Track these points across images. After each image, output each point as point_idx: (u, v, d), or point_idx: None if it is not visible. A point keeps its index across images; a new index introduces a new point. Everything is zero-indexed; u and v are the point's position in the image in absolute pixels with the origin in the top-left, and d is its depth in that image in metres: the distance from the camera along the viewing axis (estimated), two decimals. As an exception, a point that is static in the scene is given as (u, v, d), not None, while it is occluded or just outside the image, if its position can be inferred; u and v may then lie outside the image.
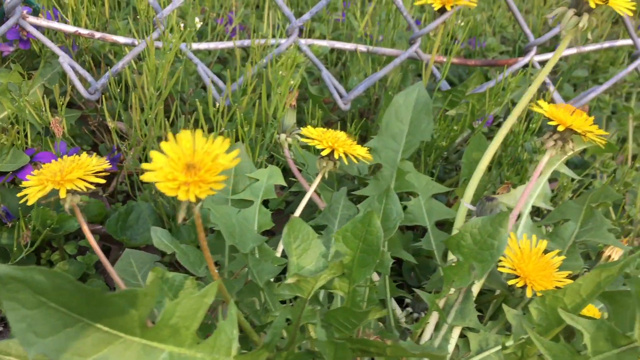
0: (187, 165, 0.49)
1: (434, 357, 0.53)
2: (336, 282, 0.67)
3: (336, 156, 0.73)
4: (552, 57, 0.70)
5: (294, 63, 0.92)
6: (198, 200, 0.49)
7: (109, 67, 1.04)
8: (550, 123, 0.78)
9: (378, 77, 1.06)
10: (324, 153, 0.73)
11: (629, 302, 0.56)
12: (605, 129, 1.32)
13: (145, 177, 0.48)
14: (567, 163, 1.30)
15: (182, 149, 0.50)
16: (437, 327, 0.70)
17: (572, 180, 1.14)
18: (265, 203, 1.08)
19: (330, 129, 0.78)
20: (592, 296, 0.56)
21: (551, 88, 1.15)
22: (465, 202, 0.72)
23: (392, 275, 0.95)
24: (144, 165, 0.48)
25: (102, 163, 0.64)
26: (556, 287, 0.65)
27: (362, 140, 1.16)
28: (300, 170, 0.93)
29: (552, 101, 1.18)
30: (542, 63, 1.16)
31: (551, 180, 1.14)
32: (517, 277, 0.70)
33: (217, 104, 0.82)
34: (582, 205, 0.86)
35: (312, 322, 0.58)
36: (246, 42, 1.05)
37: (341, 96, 1.08)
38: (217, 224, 0.66)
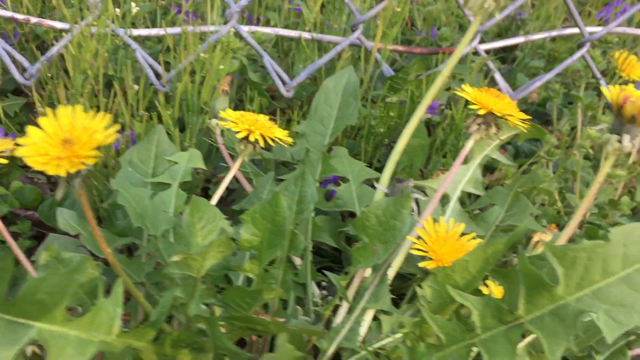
0: (64, 140, 0.49)
1: (311, 332, 0.53)
2: (246, 264, 0.66)
3: (252, 138, 0.73)
4: (462, 42, 0.70)
5: (227, 49, 0.92)
6: (72, 175, 0.48)
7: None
8: (472, 107, 0.78)
9: (320, 64, 1.06)
10: (239, 135, 0.73)
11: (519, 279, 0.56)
12: (557, 118, 1.32)
13: (17, 152, 0.47)
14: (517, 151, 1.31)
15: (60, 124, 0.50)
16: (351, 310, 0.70)
17: (520, 166, 1.14)
18: (206, 190, 1.08)
19: (249, 112, 0.77)
20: (482, 272, 0.56)
21: (496, 75, 1.15)
22: (380, 185, 0.72)
23: (331, 261, 0.95)
24: (18, 140, 0.48)
25: (4, 144, 0.63)
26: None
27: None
28: (233, 156, 0.92)
29: (493, 87, 1.18)
30: (487, 51, 1.16)
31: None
32: (431, 259, 0.70)
33: (137, 87, 0.82)
34: (511, 190, 0.86)
35: (208, 301, 0.58)
36: (190, 29, 1.04)
37: (285, 83, 1.08)
38: (124, 205, 0.66)
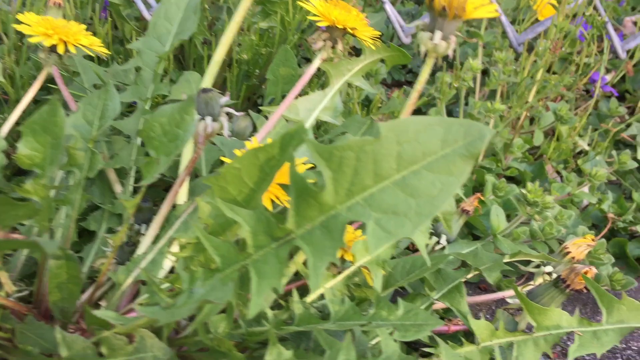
0: None
1: (29, 245, 0.45)
2: (29, 184, 0.58)
3: (47, 44, 0.64)
4: None
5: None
6: None
7: None
8: (310, 18, 0.70)
9: (186, -14, 0.96)
10: (32, 40, 0.64)
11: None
12: (461, 58, 1.25)
13: None
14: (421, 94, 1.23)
15: None
16: (156, 240, 0.62)
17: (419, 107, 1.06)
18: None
19: (61, 19, 0.68)
20: (261, 184, 0.48)
21: (386, 6, 1.07)
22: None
23: (164, 189, 0.86)
24: None
25: None
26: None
27: (179, 60, 1.07)
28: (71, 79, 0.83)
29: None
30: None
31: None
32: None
33: None
34: (367, 119, 0.78)
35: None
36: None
37: (151, 7, 0.98)
38: None
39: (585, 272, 0.67)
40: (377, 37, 0.72)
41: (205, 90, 0.60)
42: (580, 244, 0.75)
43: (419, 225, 0.42)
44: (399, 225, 0.42)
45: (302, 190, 0.44)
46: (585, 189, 1.04)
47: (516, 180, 1.09)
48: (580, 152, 1.23)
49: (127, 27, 0.99)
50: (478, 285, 0.87)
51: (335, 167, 0.43)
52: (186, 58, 1.07)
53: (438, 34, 0.51)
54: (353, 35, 0.71)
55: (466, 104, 1.14)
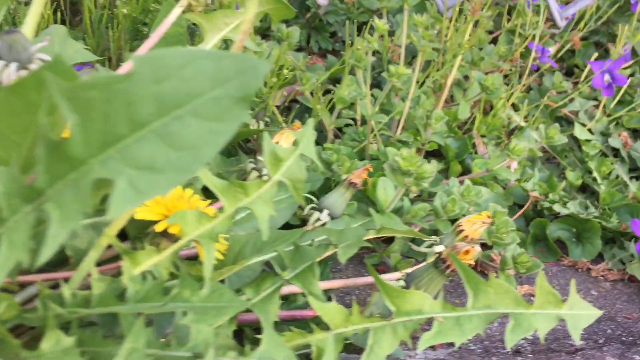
0: None
1: None
2: None
3: None
4: None
5: None
6: None
7: None
8: (161, -44, 0.61)
9: None
10: None
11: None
12: (394, 28, 1.16)
13: None
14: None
15: None
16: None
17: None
18: None
19: None
20: (27, 136, 0.40)
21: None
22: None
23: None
24: None
25: None
26: None
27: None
28: None
29: None
30: None
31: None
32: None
33: None
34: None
35: None
36: None
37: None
38: None
39: (467, 251, 0.59)
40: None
41: (9, 32, 0.51)
42: (475, 222, 0.67)
43: (177, 183, 0.34)
44: (153, 184, 0.34)
45: (50, 140, 0.36)
46: (514, 165, 0.97)
47: (440, 155, 1.01)
48: (516, 128, 1.15)
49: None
50: (377, 267, 0.80)
51: (83, 112, 0.34)
52: (84, 21, 0.98)
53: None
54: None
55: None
